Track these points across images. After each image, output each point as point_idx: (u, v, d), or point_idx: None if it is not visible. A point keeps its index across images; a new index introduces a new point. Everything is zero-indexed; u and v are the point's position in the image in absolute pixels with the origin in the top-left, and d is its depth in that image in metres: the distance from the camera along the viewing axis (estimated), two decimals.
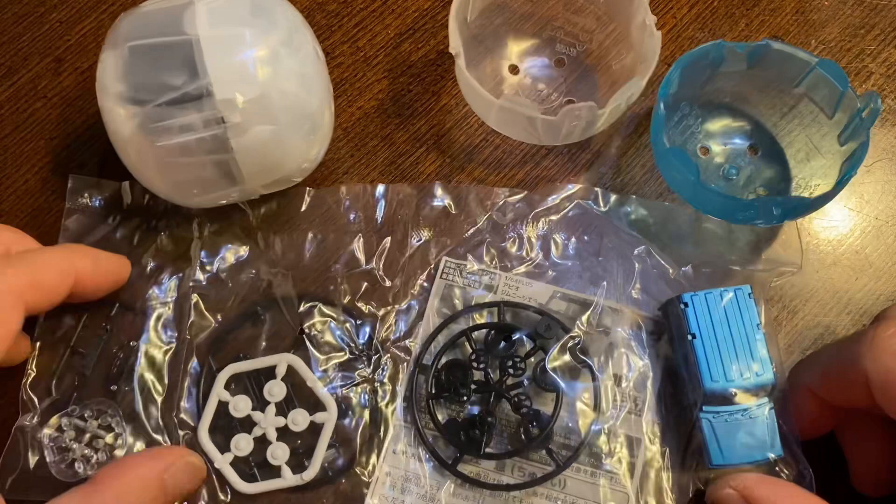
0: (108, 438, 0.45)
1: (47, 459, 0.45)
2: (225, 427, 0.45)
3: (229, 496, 0.44)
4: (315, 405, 0.45)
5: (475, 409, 0.45)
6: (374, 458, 0.45)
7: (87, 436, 0.45)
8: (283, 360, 0.45)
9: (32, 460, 0.45)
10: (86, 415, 0.46)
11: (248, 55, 0.40)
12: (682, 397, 0.45)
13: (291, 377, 0.46)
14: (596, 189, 0.48)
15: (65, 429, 0.46)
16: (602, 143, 0.50)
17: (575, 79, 0.52)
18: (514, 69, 0.52)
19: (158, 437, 0.45)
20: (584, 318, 0.46)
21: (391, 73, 0.53)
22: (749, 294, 0.43)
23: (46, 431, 0.45)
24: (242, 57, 0.40)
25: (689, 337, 0.43)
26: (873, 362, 0.37)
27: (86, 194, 0.50)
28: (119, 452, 0.45)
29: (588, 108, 0.44)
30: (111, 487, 0.38)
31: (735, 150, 0.49)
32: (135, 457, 0.41)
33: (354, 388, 0.46)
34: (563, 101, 0.51)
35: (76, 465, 0.45)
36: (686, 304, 0.43)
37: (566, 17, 0.52)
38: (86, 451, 0.45)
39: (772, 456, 0.42)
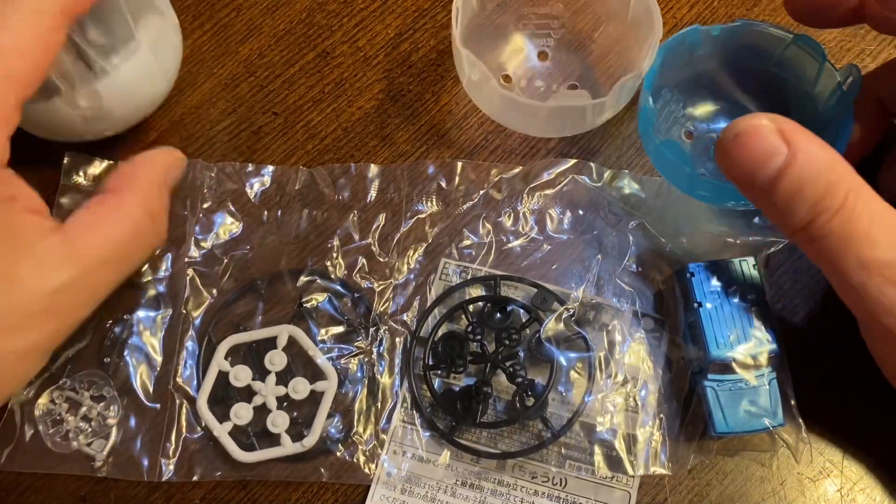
0: (100, 408, 0.45)
1: (41, 432, 0.45)
2: (223, 398, 0.46)
3: (227, 466, 0.45)
4: (314, 375, 0.45)
5: (471, 380, 0.46)
6: (371, 428, 0.45)
7: (82, 408, 0.45)
8: (283, 331, 0.46)
9: (28, 433, 0.45)
10: (77, 387, 0.46)
11: None
12: (681, 368, 0.45)
13: (290, 349, 0.46)
14: (591, 164, 0.49)
15: (57, 401, 0.45)
16: (599, 140, 0.50)
17: (565, 64, 0.52)
18: (506, 79, 0.52)
19: (155, 406, 0.46)
20: (580, 291, 0.47)
21: (391, 73, 0.53)
22: (754, 265, 0.44)
23: (40, 402, 0.45)
24: None
25: (695, 305, 0.43)
26: None
27: (80, 172, 0.50)
28: (112, 421, 0.45)
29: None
30: (132, 194, 0.41)
31: (719, 132, 0.50)
32: (136, 165, 0.42)
33: (352, 359, 0.46)
34: (567, 87, 0.52)
35: (70, 436, 0.45)
36: (692, 274, 0.44)
37: (532, 10, 0.52)
38: (80, 424, 0.45)
39: (772, 423, 0.42)
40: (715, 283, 0.44)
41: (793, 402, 0.44)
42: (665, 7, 0.54)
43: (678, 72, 0.49)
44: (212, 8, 0.54)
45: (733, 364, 0.42)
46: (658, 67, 0.45)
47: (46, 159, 0.49)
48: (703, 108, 0.50)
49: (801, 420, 0.44)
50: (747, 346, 0.43)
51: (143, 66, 0.46)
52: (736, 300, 0.43)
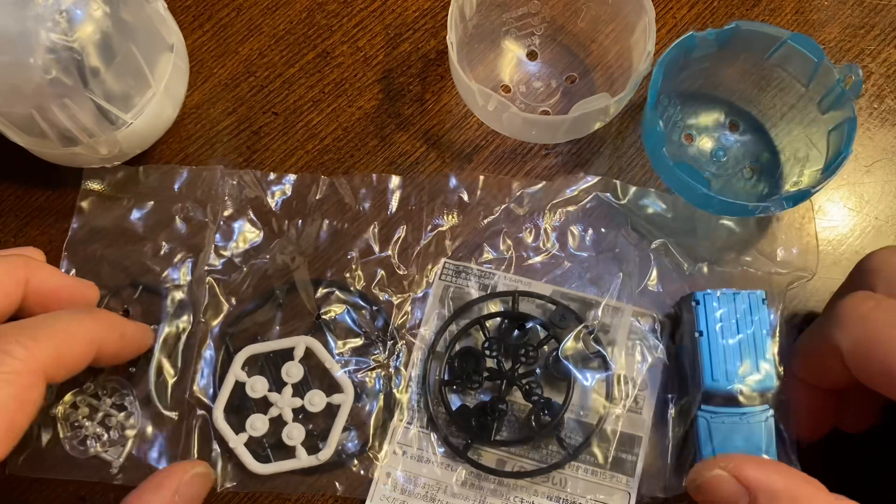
0: (121, 417, 0.46)
1: (60, 435, 0.45)
2: (239, 408, 0.46)
3: (242, 478, 0.45)
4: (331, 388, 0.45)
5: (487, 397, 0.46)
6: (387, 443, 0.45)
7: (100, 414, 0.46)
8: (301, 343, 0.46)
9: (45, 437, 0.45)
10: (99, 393, 0.46)
11: None
12: (683, 395, 0.45)
13: (307, 360, 0.46)
14: (615, 182, 0.48)
15: (78, 405, 0.46)
16: (599, 140, 0.50)
17: (557, 58, 0.52)
18: (505, 89, 0.52)
19: (171, 415, 0.46)
20: (599, 310, 0.46)
21: (391, 73, 0.52)
22: (763, 300, 0.43)
23: (60, 408, 0.46)
24: None
25: (697, 334, 0.43)
26: (842, 334, 0.37)
27: (100, 177, 0.50)
28: (130, 433, 0.45)
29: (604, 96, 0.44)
30: None
31: (718, 132, 0.50)
32: (143, 491, 0.39)
33: (369, 373, 0.46)
34: (566, 81, 0.51)
35: (88, 441, 0.45)
36: (697, 302, 0.43)
37: (510, 14, 0.52)
38: (98, 430, 0.45)
39: None
40: (720, 313, 0.43)
41: (788, 441, 0.43)
42: (665, 7, 0.53)
43: (674, 75, 0.48)
44: (212, 8, 0.54)
45: (729, 396, 0.42)
46: (660, 81, 0.45)
47: (45, 164, 0.49)
48: (701, 110, 0.50)
49: (795, 458, 0.43)
50: (745, 379, 0.42)
51: (159, 107, 0.46)
52: (739, 333, 0.43)
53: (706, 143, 0.50)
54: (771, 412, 0.42)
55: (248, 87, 0.52)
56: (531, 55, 0.52)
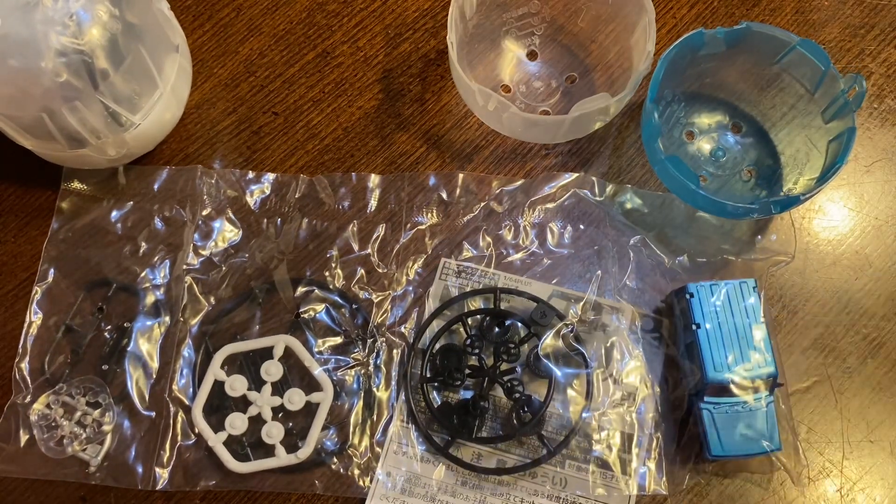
0: (96, 414, 0.45)
1: (36, 437, 0.45)
2: (218, 408, 0.45)
3: (221, 476, 0.45)
4: (310, 386, 0.45)
5: (468, 394, 0.46)
6: (366, 440, 0.45)
7: (77, 413, 0.45)
8: (280, 341, 0.45)
9: (23, 438, 0.45)
10: (73, 392, 0.46)
11: None
12: (679, 388, 0.45)
13: (287, 359, 0.46)
14: (592, 178, 0.49)
15: (52, 406, 0.45)
16: (600, 140, 0.50)
17: (557, 58, 0.52)
18: (505, 88, 0.52)
19: (150, 414, 0.45)
20: (579, 307, 0.46)
21: (391, 73, 0.53)
22: (754, 287, 0.44)
23: (36, 407, 0.45)
24: None
25: (694, 327, 0.43)
26: None
27: (80, 177, 0.50)
28: (107, 428, 0.45)
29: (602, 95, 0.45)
30: None
31: (720, 132, 0.50)
32: None
33: (349, 371, 0.46)
34: (565, 80, 0.52)
35: (65, 441, 0.45)
36: (692, 295, 0.43)
37: (510, 14, 0.52)
38: (75, 429, 0.45)
39: (769, 447, 0.42)
40: (714, 304, 0.43)
41: (791, 425, 0.43)
42: (665, 7, 0.54)
43: (680, 72, 0.48)
44: (212, 8, 0.54)
45: (731, 386, 0.42)
46: (662, 76, 0.45)
47: (47, 164, 0.49)
48: (704, 109, 0.51)
49: (798, 443, 0.43)
50: (745, 368, 0.42)
51: (166, 108, 0.47)
52: (735, 322, 0.43)
53: (707, 143, 0.50)
54: (770, 398, 0.42)
55: (249, 87, 0.52)
56: (531, 55, 0.53)
